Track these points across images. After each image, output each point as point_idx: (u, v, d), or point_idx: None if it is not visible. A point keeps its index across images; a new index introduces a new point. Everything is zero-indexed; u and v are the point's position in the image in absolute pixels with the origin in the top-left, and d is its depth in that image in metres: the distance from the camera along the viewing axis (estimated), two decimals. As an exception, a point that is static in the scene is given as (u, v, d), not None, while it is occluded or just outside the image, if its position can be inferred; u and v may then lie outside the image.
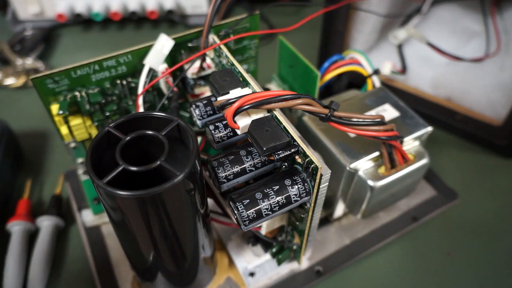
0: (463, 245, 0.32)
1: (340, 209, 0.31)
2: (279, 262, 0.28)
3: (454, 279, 0.30)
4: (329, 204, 0.31)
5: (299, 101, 0.21)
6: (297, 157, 0.21)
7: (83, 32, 0.55)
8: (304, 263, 0.30)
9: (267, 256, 0.29)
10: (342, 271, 0.30)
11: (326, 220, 0.32)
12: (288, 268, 0.29)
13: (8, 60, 0.48)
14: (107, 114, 0.28)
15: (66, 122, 0.27)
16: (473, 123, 0.39)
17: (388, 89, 0.32)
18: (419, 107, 0.40)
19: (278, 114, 0.21)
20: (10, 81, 0.46)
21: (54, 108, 0.26)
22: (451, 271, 0.31)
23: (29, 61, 0.48)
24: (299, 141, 0.20)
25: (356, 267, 0.31)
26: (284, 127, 0.21)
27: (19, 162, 0.38)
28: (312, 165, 0.20)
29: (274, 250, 0.28)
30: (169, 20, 0.56)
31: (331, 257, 0.30)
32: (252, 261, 0.29)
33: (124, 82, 0.28)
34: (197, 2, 0.52)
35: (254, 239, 0.29)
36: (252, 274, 0.28)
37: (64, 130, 0.27)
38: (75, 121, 0.27)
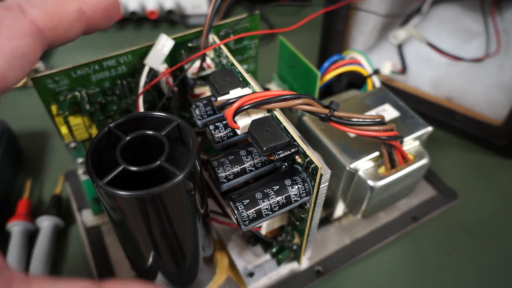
0: (463, 245, 0.32)
1: (340, 209, 0.31)
2: (279, 262, 0.28)
3: (454, 279, 0.30)
4: (329, 204, 0.31)
5: (299, 101, 0.21)
6: (297, 157, 0.21)
7: (83, 32, 0.55)
8: (304, 263, 0.30)
9: (267, 256, 0.29)
10: (342, 271, 0.30)
11: (326, 220, 0.32)
12: (288, 268, 0.29)
13: (8, 60, 0.48)
14: (107, 114, 0.28)
15: (66, 122, 0.27)
16: (473, 123, 0.39)
17: (388, 89, 0.32)
18: (419, 107, 0.40)
19: (278, 114, 0.21)
20: (10, 81, 0.46)
21: (54, 108, 0.26)
22: (451, 271, 0.31)
23: (29, 61, 0.48)
24: (299, 141, 0.20)
25: (356, 267, 0.31)
26: (284, 127, 0.21)
27: (19, 162, 0.38)
28: (312, 165, 0.20)
29: (274, 250, 0.28)
30: (169, 20, 0.56)
31: (331, 257, 0.30)
32: (252, 261, 0.29)
33: (124, 82, 0.28)
34: (197, 2, 0.52)
35: (254, 239, 0.29)
36: (252, 274, 0.28)
37: (64, 130, 0.27)
38: (75, 121, 0.27)
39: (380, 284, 0.30)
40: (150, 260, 0.22)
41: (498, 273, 0.31)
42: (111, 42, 0.53)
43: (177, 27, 0.55)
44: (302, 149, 0.20)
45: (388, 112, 0.30)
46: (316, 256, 0.30)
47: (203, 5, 0.53)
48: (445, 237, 0.33)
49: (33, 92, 0.25)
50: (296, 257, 0.28)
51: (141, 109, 0.27)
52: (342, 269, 0.30)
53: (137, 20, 0.56)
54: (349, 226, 0.32)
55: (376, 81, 0.34)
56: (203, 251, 0.24)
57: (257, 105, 0.20)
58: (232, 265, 0.29)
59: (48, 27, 0.15)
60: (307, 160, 0.20)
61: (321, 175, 0.20)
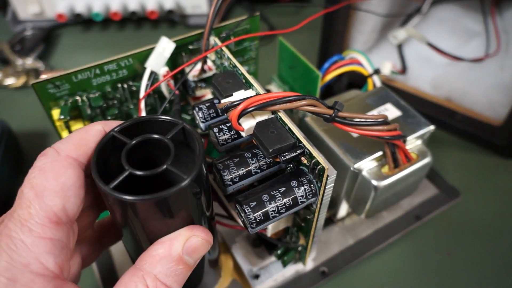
0: (464, 245, 0.32)
1: (343, 209, 0.31)
2: (285, 264, 0.28)
3: (455, 279, 0.30)
4: (332, 205, 0.31)
5: (304, 102, 0.21)
6: (302, 158, 0.21)
7: (83, 32, 0.54)
8: (309, 264, 0.30)
9: (272, 258, 0.29)
10: (347, 272, 0.30)
11: (329, 220, 0.32)
12: (293, 269, 0.29)
13: (8, 60, 0.48)
14: (109, 118, 0.28)
15: (68, 127, 0.27)
16: (473, 123, 0.39)
17: (388, 89, 0.32)
18: (419, 107, 0.40)
19: (282, 115, 0.21)
20: (10, 81, 0.46)
21: (55, 113, 0.26)
22: (453, 271, 0.31)
23: (29, 61, 0.47)
24: (304, 142, 0.20)
25: (361, 267, 0.31)
26: (289, 128, 0.21)
27: (19, 162, 0.38)
28: (319, 166, 0.20)
29: (279, 252, 0.28)
30: (169, 20, 0.55)
31: (335, 258, 0.30)
32: (257, 263, 0.29)
33: (125, 86, 0.28)
34: (197, 2, 0.52)
35: (258, 241, 0.29)
36: (257, 276, 0.28)
37: (65, 135, 0.27)
38: (77, 126, 0.27)
39: (385, 283, 0.30)
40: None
41: (498, 273, 0.31)
42: (111, 42, 0.53)
43: (177, 27, 0.55)
44: (308, 150, 0.20)
45: (390, 111, 0.30)
46: (320, 257, 0.30)
47: (203, 5, 0.53)
48: (446, 237, 0.33)
49: (33, 92, 0.25)
50: (301, 258, 0.28)
51: (143, 113, 0.27)
52: (347, 269, 0.30)
53: (137, 20, 0.56)
54: (353, 226, 0.32)
55: (376, 80, 0.34)
56: (208, 254, 0.24)
57: (262, 107, 0.20)
58: (237, 268, 0.29)
59: (80, 154, 0.18)
60: (313, 161, 0.20)
61: (327, 176, 0.20)
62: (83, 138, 0.18)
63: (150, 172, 0.17)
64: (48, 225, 0.16)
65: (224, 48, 0.26)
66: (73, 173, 0.17)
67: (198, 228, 0.19)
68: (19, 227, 0.16)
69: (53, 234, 0.16)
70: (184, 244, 0.18)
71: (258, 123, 0.21)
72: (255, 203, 0.20)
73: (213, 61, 0.28)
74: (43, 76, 0.45)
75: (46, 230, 0.16)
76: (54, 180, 0.17)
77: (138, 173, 0.17)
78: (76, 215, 0.17)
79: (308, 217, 0.23)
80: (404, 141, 0.27)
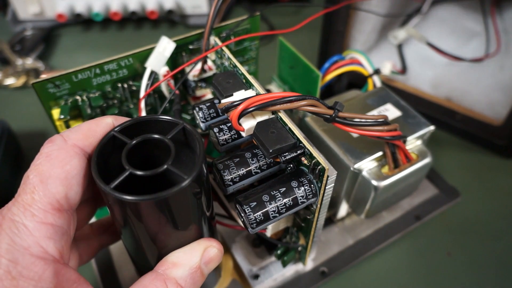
0: (463, 245, 0.33)
1: (343, 209, 0.31)
2: (284, 264, 0.28)
3: (456, 279, 0.30)
4: (332, 205, 0.31)
5: (304, 102, 0.21)
6: (303, 158, 0.21)
7: (83, 32, 0.54)
8: (309, 264, 0.30)
9: (272, 258, 0.29)
10: (347, 272, 0.30)
11: (329, 220, 0.32)
12: (293, 269, 0.29)
13: (8, 60, 0.48)
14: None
15: (68, 127, 0.27)
16: (473, 123, 0.39)
17: (388, 89, 0.32)
18: (419, 107, 0.40)
19: (283, 115, 0.21)
20: (10, 81, 0.46)
21: (55, 112, 0.26)
22: (453, 271, 0.31)
23: (29, 61, 0.47)
24: (305, 142, 0.20)
25: (361, 267, 0.31)
26: (289, 128, 0.21)
27: (19, 162, 0.38)
28: (319, 167, 0.20)
29: (279, 252, 0.28)
30: (169, 20, 0.55)
31: (335, 258, 0.30)
32: (257, 263, 0.29)
33: (125, 86, 0.28)
34: (197, 2, 0.52)
35: (258, 241, 0.29)
36: (257, 277, 0.28)
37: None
38: (77, 125, 0.27)
39: (384, 284, 0.30)
40: (156, 263, 0.21)
41: (498, 273, 0.31)
42: (111, 42, 0.53)
43: (177, 27, 0.55)
44: (308, 150, 0.20)
45: (390, 111, 0.30)
46: (320, 257, 0.30)
47: (203, 5, 0.53)
48: (446, 237, 0.33)
49: (33, 92, 0.25)
50: (301, 258, 0.28)
51: (143, 113, 0.27)
52: (346, 269, 0.30)
53: (137, 20, 0.56)
54: (353, 226, 0.32)
55: (376, 81, 0.34)
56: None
57: (262, 107, 0.20)
58: (237, 268, 0.29)
59: (86, 145, 0.18)
60: (313, 161, 0.20)
61: (328, 176, 0.20)
62: (92, 129, 0.18)
63: (150, 172, 0.17)
64: (50, 211, 0.16)
65: (224, 48, 0.26)
66: (78, 162, 0.17)
67: (214, 240, 0.21)
68: (22, 211, 0.16)
69: (54, 220, 0.17)
70: (203, 253, 0.20)
71: (259, 123, 0.21)
72: (255, 203, 0.20)
73: (213, 61, 0.28)
74: (43, 76, 0.44)
75: (48, 216, 0.16)
76: (59, 168, 0.17)
77: (139, 173, 0.17)
78: (77, 204, 0.18)
79: (308, 217, 0.23)
80: (404, 142, 0.27)
